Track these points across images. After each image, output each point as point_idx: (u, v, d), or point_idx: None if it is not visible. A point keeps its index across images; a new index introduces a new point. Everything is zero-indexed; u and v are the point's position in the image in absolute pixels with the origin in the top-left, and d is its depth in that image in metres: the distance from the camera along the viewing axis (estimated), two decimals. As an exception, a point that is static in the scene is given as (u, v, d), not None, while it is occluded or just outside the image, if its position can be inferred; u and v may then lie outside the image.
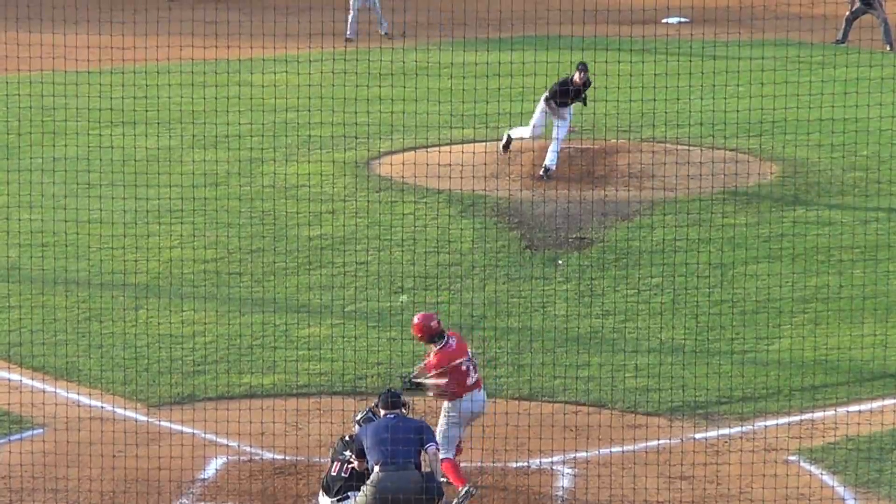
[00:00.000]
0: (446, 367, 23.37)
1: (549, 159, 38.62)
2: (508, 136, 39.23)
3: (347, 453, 21.57)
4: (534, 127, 39.07)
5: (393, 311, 30.46)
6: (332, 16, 47.39)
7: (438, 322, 23.81)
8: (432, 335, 23.65)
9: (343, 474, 21.55)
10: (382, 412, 21.84)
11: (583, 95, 39.07)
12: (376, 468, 20.98)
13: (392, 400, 22.14)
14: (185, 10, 56.14)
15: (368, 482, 21.05)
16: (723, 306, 30.66)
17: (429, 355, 23.67)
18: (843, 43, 55.12)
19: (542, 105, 38.97)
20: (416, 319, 23.94)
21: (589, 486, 23.54)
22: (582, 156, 39.29)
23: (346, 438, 22.07)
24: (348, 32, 58.27)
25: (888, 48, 54.61)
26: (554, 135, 38.80)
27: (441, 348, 23.50)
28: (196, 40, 47.88)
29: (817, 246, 33.92)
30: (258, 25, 52.13)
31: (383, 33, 58.29)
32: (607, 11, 54.00)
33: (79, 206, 35.41)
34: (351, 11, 58.93)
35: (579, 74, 38.57)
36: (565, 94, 38.54)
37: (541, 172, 38.38)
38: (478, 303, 30.88)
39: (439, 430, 22.98)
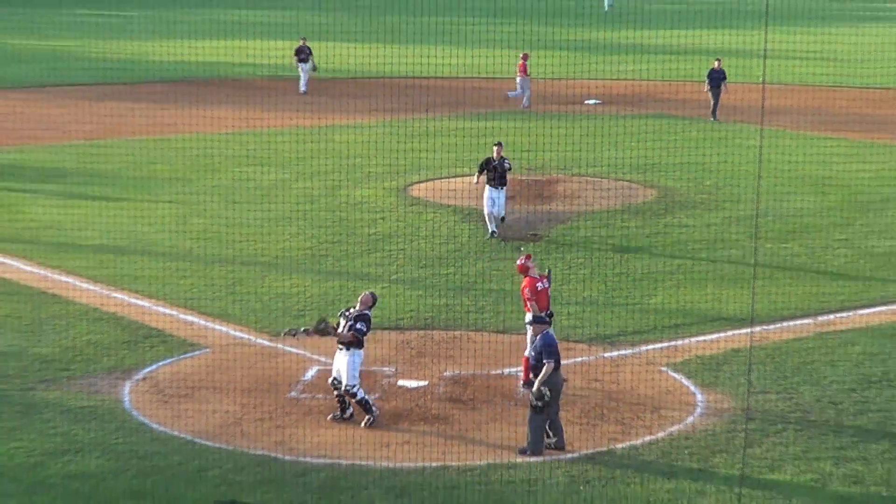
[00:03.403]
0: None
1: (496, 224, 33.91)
2: (493, 231, 33.58)
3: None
4: (489, 214, 33.70)
5: (421, 278, 30.29)
6: (384, 99, 47.14)
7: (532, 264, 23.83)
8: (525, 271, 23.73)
9: None
10: (544, 328, 20.77)
11: (507, 167, 33.77)
12: (555, 368, 20.24)
13: (551, 318, 21.82)
14: (290, 95, 56.49)
15: (554, 378, 20.27)
16: (621, 276, 30.50)
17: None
18: (715, 119, 52.41)
19: (486, 192, 33.63)
20: (519, 261, 24.09)
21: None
22: (535, 184, 39.00)
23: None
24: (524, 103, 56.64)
25: (713, 118, 52.37)
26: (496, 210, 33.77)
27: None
28: (300, 114, 48.09)
29: (678, 240, 33.99)
30: (338, 105, 52.06)
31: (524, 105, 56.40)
32: (551, 96, 53.77)
33: (227, 214, 35.82)
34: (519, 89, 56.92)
35: (496, 150, 33.64)
36: (486, 169, 33.58)
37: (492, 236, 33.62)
38: (472, 273, 30.62)
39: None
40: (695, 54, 64.47)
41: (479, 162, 34.07)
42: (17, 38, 77.40)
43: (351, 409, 21.72)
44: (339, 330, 21.64)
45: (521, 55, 57.06)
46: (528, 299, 23.29)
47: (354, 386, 21.42)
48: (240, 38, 67.22)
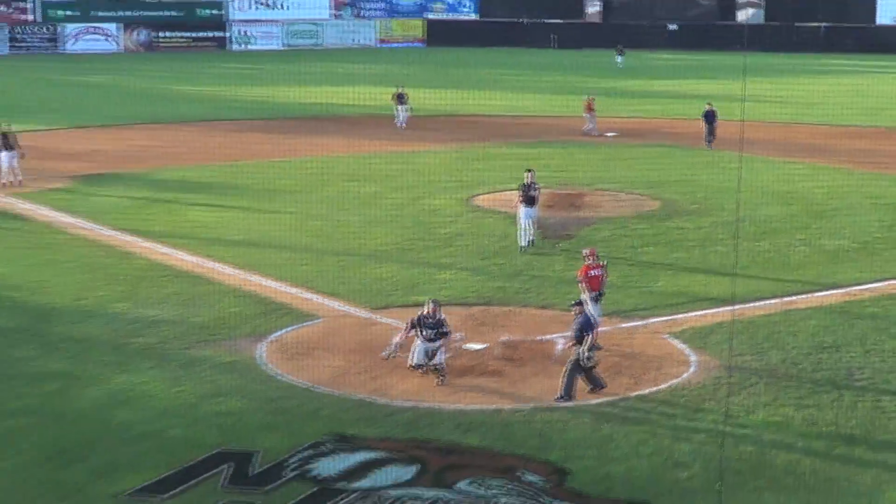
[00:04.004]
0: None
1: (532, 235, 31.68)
2: (521, 247, 31.48)
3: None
4: (522, 231, 31.70)
5: (482, 266, 30.07)
6: (454, 132, 47.31)
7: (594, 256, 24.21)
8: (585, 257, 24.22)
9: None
10: (582, 309, 21.05)
11: (536, 188, 31.50)
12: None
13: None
14: (384, 128, 56.38)
15: (592, 347, 20.64)
16: (633, 266, 30.13)
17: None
18: (710, 145, 49.46)
19: (521, 212, 31.59)
20: (585, 250, 24.59)
21: (570, 349, 22.82)
22: (568, 196, 38.42)
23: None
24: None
25: (709, 146, 50.01)
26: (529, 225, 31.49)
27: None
28: (390, 142, 48.26)
29: (677, 239, 33.37)
30: (420, 135, 52.21)
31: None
32: (579, 130, 53.62)
33: (335, 218, 35.63)
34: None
35: (528, 175, 31.56)
36: (521, 191, 31.41)
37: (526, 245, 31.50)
38: (520, 263, 30.33)
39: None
40: (689, 98, 64.16)
41: (519, 185, 32.58)
42: (181, 84, 78.27)
43: (425, 369, 21.80)
44: (427, 335, 21.65)
45: (589, 97, 55.26)
46: (580, 282, 23.58)
47: (442, 363, 21.62)
48: (347, 85, 67.44)
